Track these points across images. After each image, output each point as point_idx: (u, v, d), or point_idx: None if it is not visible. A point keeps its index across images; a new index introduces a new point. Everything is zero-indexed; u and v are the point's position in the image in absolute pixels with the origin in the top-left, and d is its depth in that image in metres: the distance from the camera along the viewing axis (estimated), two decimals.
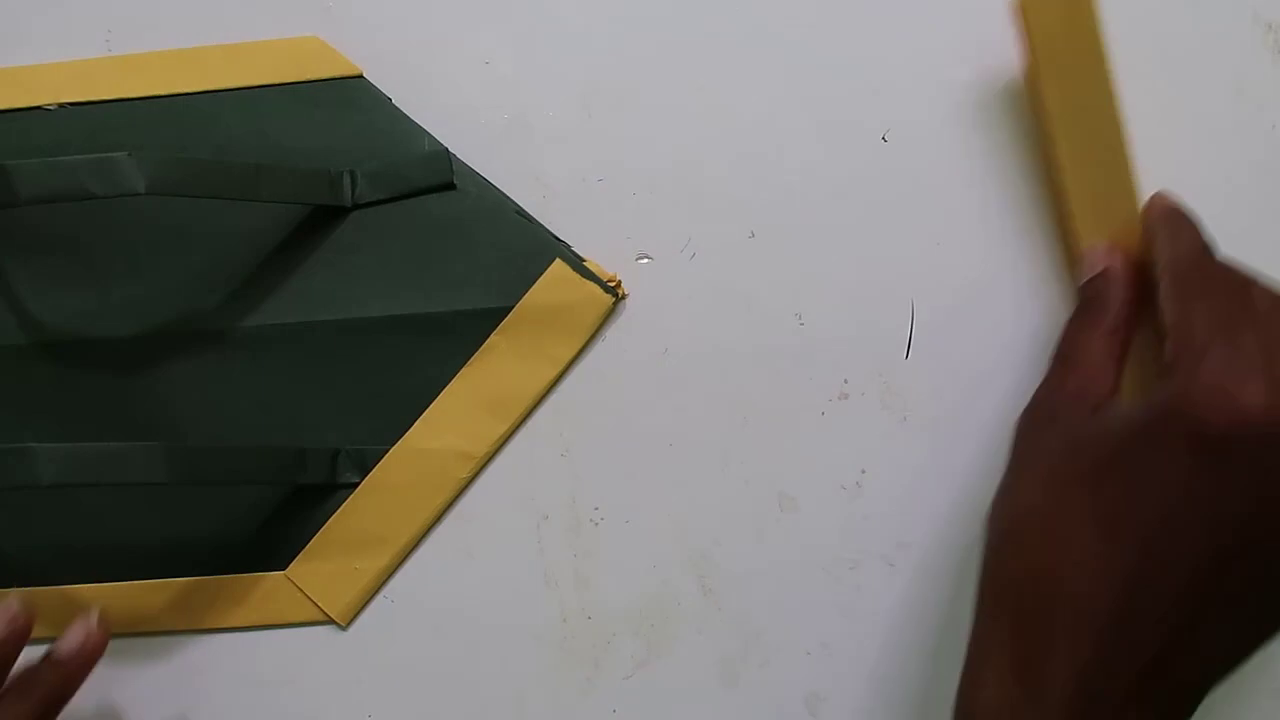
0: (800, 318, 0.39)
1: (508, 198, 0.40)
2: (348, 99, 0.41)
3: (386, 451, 0.39)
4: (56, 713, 0.35)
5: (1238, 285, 0.30)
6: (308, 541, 0.39)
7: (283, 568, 0.39)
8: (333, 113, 0.41)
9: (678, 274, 0.40)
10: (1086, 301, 0.34)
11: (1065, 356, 0.34)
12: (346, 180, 0.40)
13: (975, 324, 0.39)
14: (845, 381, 0.39)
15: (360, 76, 0.41)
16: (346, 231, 0.40)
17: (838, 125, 0.40)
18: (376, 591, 0.39)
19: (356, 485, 0.39)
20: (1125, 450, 0.28)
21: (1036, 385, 0.34)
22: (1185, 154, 0.40)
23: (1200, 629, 0.27)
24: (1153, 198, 0.35)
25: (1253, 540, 0.27)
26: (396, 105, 0.41)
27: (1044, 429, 0.32)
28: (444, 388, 0.39)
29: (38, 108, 0.41)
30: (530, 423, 0.40)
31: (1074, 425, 0.31)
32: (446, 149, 0.40)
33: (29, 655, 0.39)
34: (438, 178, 0.40)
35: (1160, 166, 0.40)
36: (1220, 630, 0.28)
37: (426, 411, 0.39)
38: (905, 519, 0.39)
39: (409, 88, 0.41)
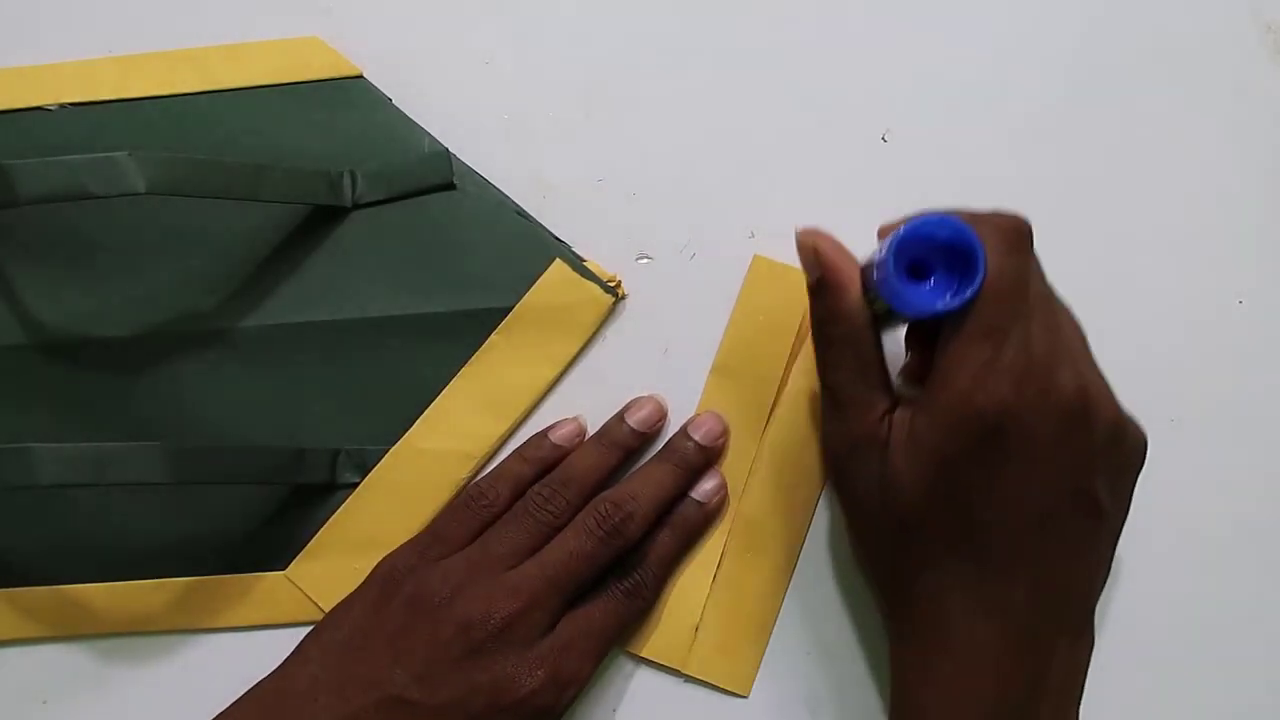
0: None
1: (508, 198, 0.40)
2: (348, 99, 0.41)
3: (386, 451, 0.39)
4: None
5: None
6: (308, 541, 0.39)
7: (283, 568, 0.39)
8: (333, 113, 0.41)
9: (678, 274, 0.40)
10: (826, 326, 0.33)
11: (836, 402, 0.33)
12: (346, 180, 0.40)
13: None
14: None
15: (360, 76, 0.41)
16: (346, 231, 0.40)
17: (838, 125, 0.40)
18: None
19: (356, 485, 0.39)
20: (930, 464, 0.31)
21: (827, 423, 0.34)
22: (1185, 154, 0.40)
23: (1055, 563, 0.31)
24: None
25: (1048, 491, 0.30)
26: (396, 105, 0.41)
27: (855, 472, 0.33)
28: (444, 388, 0.39)
29: (38, 108, 0.41)
30: (530, 423, 0.40)
31: (873, 466, 0.32)
32: (446, 149, 0.40)
33: (30, 655, 0.39)
34: (438, 178, 0.40)
35: (1161, 166, 0.40)
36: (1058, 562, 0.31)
37: (426, 411, 0.39)
38: None
39: (409, 88, 0.41)
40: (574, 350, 0.40)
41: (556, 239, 0.40)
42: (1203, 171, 0.40)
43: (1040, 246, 0.39)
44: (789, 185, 0.40)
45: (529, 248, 0.40)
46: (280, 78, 0.41)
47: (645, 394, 0.39)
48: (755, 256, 0.39)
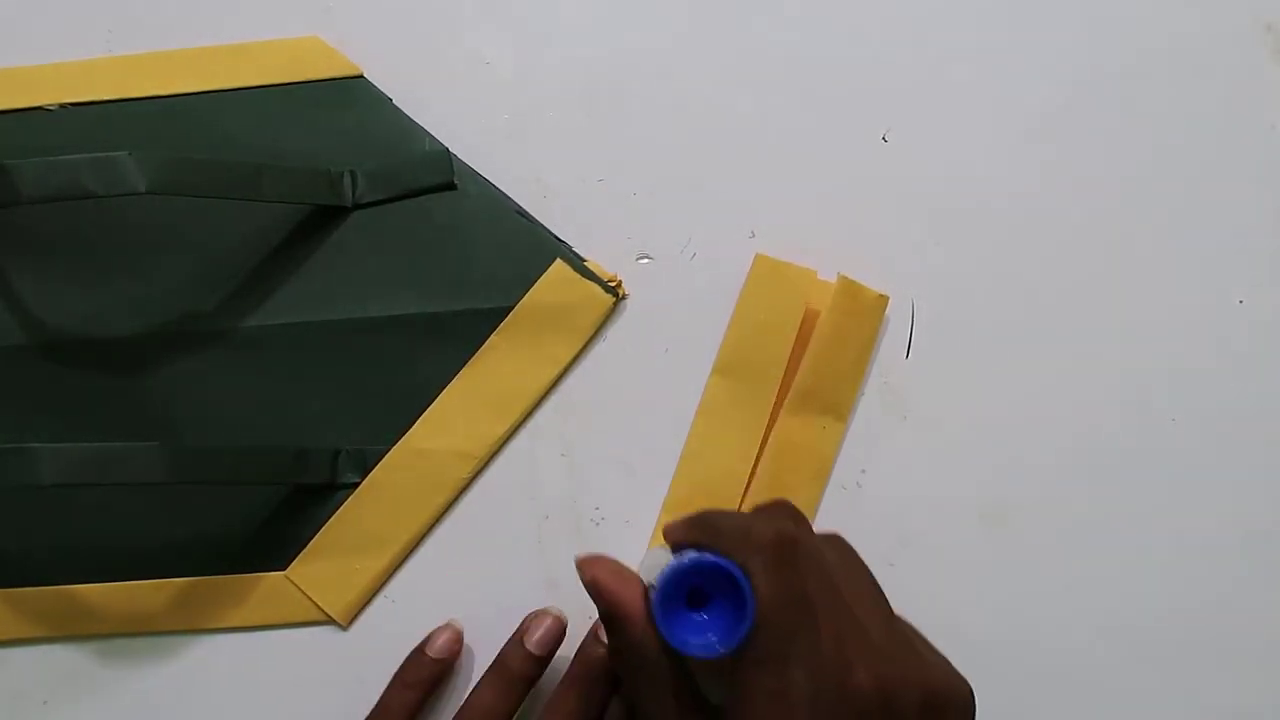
0: None
1: (508, 198, 0.40)
2: (348, 99, 0.41)
3: (386, 451, 0.39)
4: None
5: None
6: (308, 541, 0.39)
7: (283, 568, 0.39)
8: (333, 113, 0.41)
9: (678, 274, 0.40)
10: (623, 659, 0.31)
11: (637, 711, 0.31)
12: (346, 180, 0.40)
13: (976, 324, 0.39)
14: None
15: (360, 76, 0.41)
16: (346, 231, 0.40)
17: (838, 125, 0.40)
18: (376, 591, 0.39)
19: (356, 485, 0.39)
20: None
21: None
22: (1185, 154, 0.40)
23: None
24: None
25: None
26: (396, 105, 0.41)
27: None
28: (444, 388, 0.39)
29: (38, 108, 0.41)
30: (531, 423, 0.40)
31: None
32: (446, 149, 0.40)
33: (30, 655, 0.39)
34: (438, 178, 0.40)
35: (1161, 166, 0.40)
36: None
37: (426, 411, 0.39)
38: (905, 518, 0.39)
39: (409, 88, 0.41)
40: (574, 350, 0.40)
41: (556, 239, 0.40)
42: (1203, 171, 0.40)
43: (1040, 246, 0.40)
44: (789, 185, 0.40)
45: (529, 248, 0.40)
46: (280, 78, 0.41)
47: (544, 608, 0.38)
48: (757, 255, 0.39)
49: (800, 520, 0.31)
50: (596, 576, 0.31)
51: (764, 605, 0.28)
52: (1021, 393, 0.39)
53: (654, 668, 0.30)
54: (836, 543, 0.32)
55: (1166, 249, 0.40)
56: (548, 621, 0.37)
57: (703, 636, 0.29)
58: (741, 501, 0.38)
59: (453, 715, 0.37)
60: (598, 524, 0.39)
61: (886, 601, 0.31)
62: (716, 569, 0.28)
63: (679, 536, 0.32)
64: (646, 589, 0.31)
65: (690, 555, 0.29)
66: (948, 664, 0.31)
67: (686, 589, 0.29)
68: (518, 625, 0.38)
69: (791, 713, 0.28)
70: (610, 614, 0.31)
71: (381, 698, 0.37)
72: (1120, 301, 0.39)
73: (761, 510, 0.32)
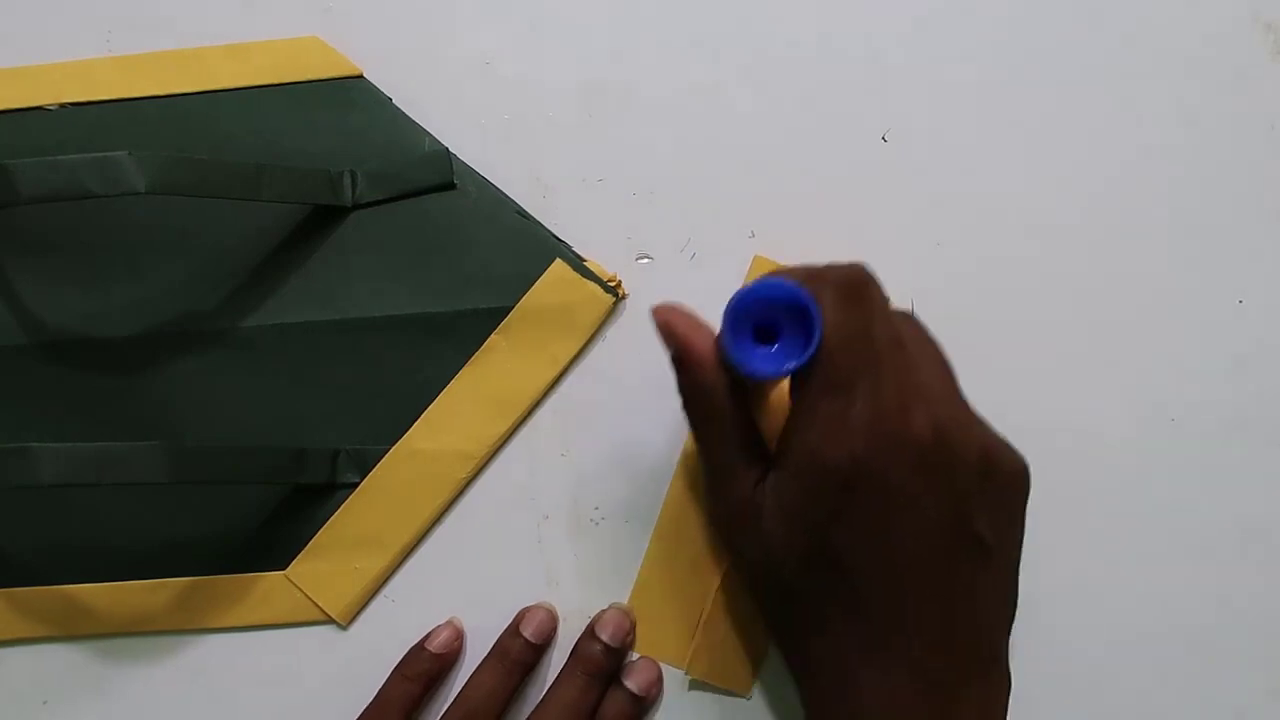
0: None
1: (508, 198, 0.40)
2: (348, 99, 0.41)
3: (386, 451, 0.39)
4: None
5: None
6: (308, 541, 0.39)
7: (283, 568, 0.39)
8: (333, 113, 0.41)
9: (678, 274, 0.40)
10: (691, 400, 0.33)
11: (712, 474, 0.33)
12: (346, 180, 0.40)
13: (975, 323, 0.39)
14: None
15: (360, 76, 0.41)
16: (346, 231, 0.40)
17: (838, 125, 0.40)
18: (376, 591, 0.39)
19: (356, 485, 0.39)
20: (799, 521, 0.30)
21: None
22: (1186, 154, 0.40)
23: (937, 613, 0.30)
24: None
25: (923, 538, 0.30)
26: (396, 105, 0.41)
27: (739, 544, 0.33)
28: (444, 388, 0.39)
29: (38, 108, 0.41)
30: (530, 422, 0.40)
31: (752, 535, 0.31)
32: (446, 149, 0.40)
33: (30, 655, 0.39)
34: (438, 178, 0.40)
35: (1161, 166, 0.40)
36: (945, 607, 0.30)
37: (426, 411, 0.39)
38: None
39: (409, 88, 0.41)
40: (574, 350, 0.40)
41: (556, 239, 0.40)
42: (1203, 171, 0.40)
43: (1040, 246, 0.40)
44: (789, 185, 0.40)
45: (529, 248, 0.40)
46: (280, 78, 0.41)
47: (536, 602, 0.39)
48: (755, 257, 0.39)
49: (875, 279, 0.31)
50: (670, 320, 0.32)
51: (830, 333, 0.29)
52: (1021, 392, 0.39)
53: (722, 408, 0.32)
54: (910, 317, 0.33)
55: (1166, 249, 0.40)
56: (542, 613, 0.38)
57: (766, 359, 0.30)
58: None
59: (452, 699, 0.37)
60: (598, 524, 0.39)
61: (955, 379, 0.32)
62: (785, 295, 0.29)
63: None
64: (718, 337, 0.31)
65: (767, 278, 0.29)
66: (1009, 442, 0.32)
67: (754, 321, 0.30)
68: (512, 619, 0.38)
69: (850, 436, 0.29)
70: (681, 355, 0.32)
71: (381, 689, 0.38)
72: (1120, 301, 0.39)
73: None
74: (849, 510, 0.29)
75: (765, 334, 0.30)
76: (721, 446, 0.32)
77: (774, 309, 0.29)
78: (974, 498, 0.30)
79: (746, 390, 0.32)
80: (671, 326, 0.32)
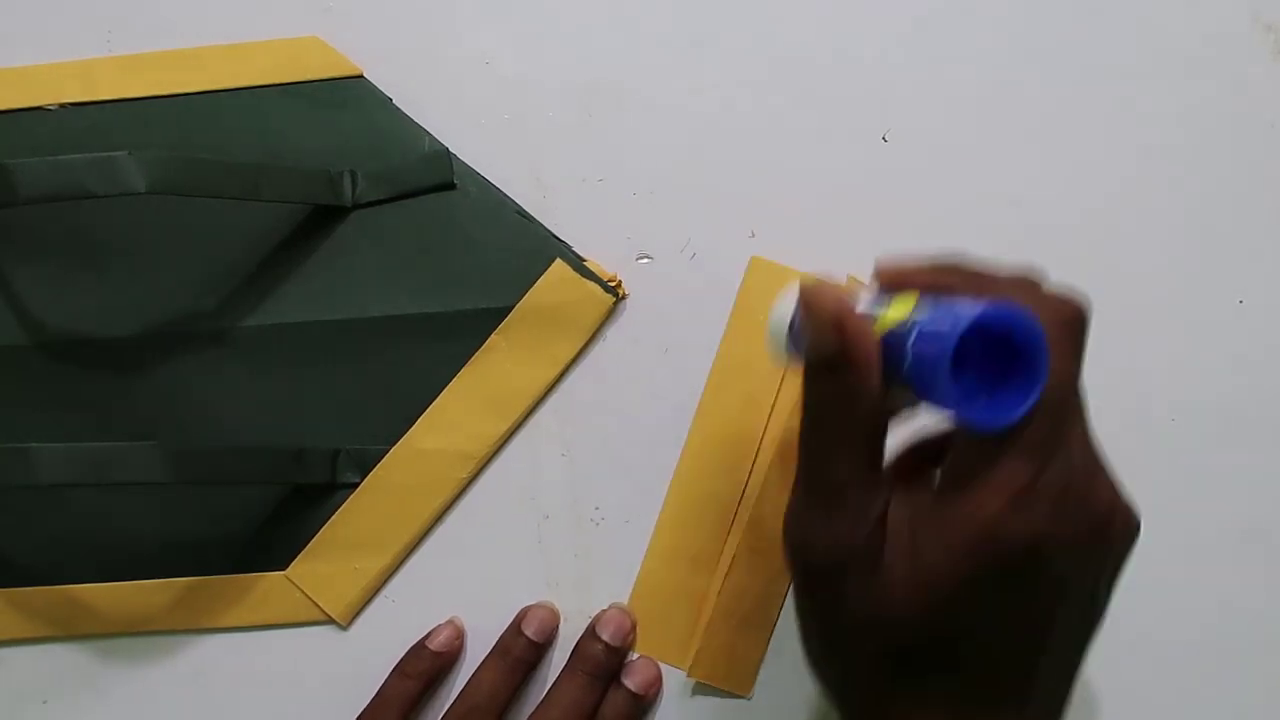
0: None
1: (508, 198, 0.40)
2: (348, 99, 0.41)
3: (386, 451, 0.39)
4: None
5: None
6: (308, 541, 0.39)
7: (283, 568, 0.39)
8: (333, 113, 0.41)
9: (678, 274, 0.40)
10: (829, 406, 0.27)
11: (827, 499, 0.27)
12: (346, 180, 0.40)
13: None
14: None
15: (360, 76, 0.41)
16: (346, 231, 0.40)
17: (838, 125, 0.40)
18: (376, 591, 0.39)
19: (356, 485, 0.39)
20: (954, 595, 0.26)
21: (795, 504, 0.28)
22: (1185, 154, 0.40)
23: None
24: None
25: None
26: (396, 105, 0.41)
27: (838, 587, 0.27)
28: (444, 388, 0.39)
29: (38, 108, 0.41)
30: (530, 422, 0.40)
31: (863, 583, 0.27)
32: (446, 149, 0.40)
33: (30, 655, 0.39)
34: (438, 178, 0.40)
35: (1161, 166, 0.40)
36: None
37: (426, 411, 0.39)
38: None
39: (409, 88, 0.41)
40: (574, 350, 0.39)
41: (556, 239, 0.40)
42: (1203, 171, 0.40)
43: (1040, 246, 0.40)
44: (789, 185, 0.40)
45: (529, 248, 0.40)
46: (280, 77, 0.41)
47: (537, 601, 0.39)
48: (753, 258, 0.39)
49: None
50: (830, 305, 0.26)
51: (1052, 384, 0.24)
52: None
53: (872, 427, 0.26)
54: None
55: (1166, 249, 0.40)
56: (543, 612, 0.38)
57: (988, 410, 0.24)
58: (740, 503, 0.38)
59: (454, 698, 0.37)
60: (598, 524, 0.39)
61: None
62: (1023, 332, 0.24)
63: (922, 280, 0.27)
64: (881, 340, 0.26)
65: (995, 307, 0.24)
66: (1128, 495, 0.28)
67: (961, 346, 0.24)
68: (513, 618, 0.38)
69: (1036, 508, 0.25)
70: (850, 357, 0.26)
71: (381, 687, 0.38)
72: (1120, 301, 0.39)
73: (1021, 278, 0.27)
74: (1007, 584, 0.25)
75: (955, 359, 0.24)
76: (855, 470, 0.26)
77: (990, 339, 0.24)
78: (1112, 566, 0.27)
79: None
80: (835, 313, 0.26)
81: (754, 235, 0.40)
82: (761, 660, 0.38)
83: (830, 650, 0.29)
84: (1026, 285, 0.26)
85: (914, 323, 0.25)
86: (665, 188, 0.40)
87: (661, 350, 0.40)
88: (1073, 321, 0.26)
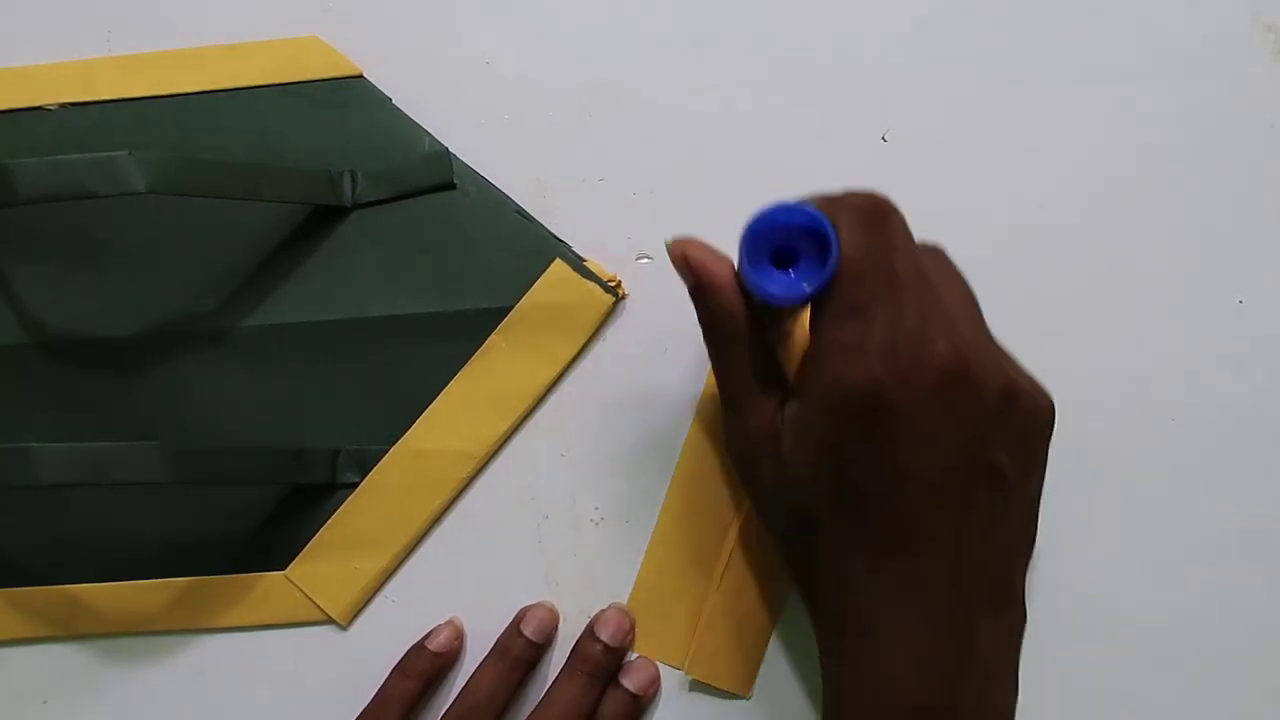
0: None
1: (508, 198, 0.40)
2: (348, 99, 0.41)
3: (386, 451, 0.39)
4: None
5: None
6: (308, 541, 0.39)
7: (283, 568, 0.39)
8: (333, 113, 0.41)
9: (678, 274, 0.40)
10: (711, 328, 0.33)
11: (732, 401, 0.33)
12: (346, 180, 0.40)
13: None
14: None
15: (360, 76, 0.41)
16: (346, 231, 0.40)
17: (838, 125, 0.40)
18: (376, 591, 0.39)
19: (356, 485, 0.39)
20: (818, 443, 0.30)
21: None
22: (1185, 154, 0.40)
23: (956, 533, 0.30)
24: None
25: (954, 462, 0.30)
26: (396, 105, 0.41)
27: (753, 469, 0.33)
28: (444, 388, 0.39)
29: (38, 108, 0.41)
30: (530, 422, 0.40)
31: (768, 460, 0.32)
32: (446, 149, 0.40)
33: (30, 655, 0.39)
34: (438, 178, 0.40)
35: (1161, 166, 0.40)
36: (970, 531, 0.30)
37: (426, 411, 0.39)
38: None
39: (409, 88, 0.41)
40: (574, 350, 0.40)
41: (556, 239, 0.40)
42: (1202, 171, 0.40)
43: (1040, 246, 0.40)
44: (789, 185, 0.40)
45: (529, 248, 0.40)
46: (280, 77, 0.41)
47: (537, 601, 0.39)
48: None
49: (895, 207, 0.31)
50: (687, 250, 0.32)
51: (848, 257, 0.29)
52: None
53: (742, 334, 0.32)
54: (937, 250, 0.33)
55: (1166, 249, 0.40)
56: (543, 612, 0.38)
57: (783, 283, 0.30)
58: (739, 504, 0.38)
59: (453, 699, 0.37)
60: (597, 524, 0.39)
61: (979, 311, 0.32)
62: (802, 220, 0.29)
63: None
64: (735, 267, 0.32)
65: (784, 203, 0.29)
66: (1035, 379, 0.32)
67: (772, 247, 0.30)
68: (513, 618, 0.38)
69: (868, 360, 0.29)
70: (700, 284, 0.32)
71: (381, 687, 0.38)
72: (1120, 301, 0.39)
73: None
74: (867, 433, 0.29)
75: (783, 260, 0.30)
76: (740, 373, 0.32)
77: (791, 234, 0.30)
78: (993, 428, 0.30)
79: (765, 318, 0.33)
80: (689, 256, 0.32)
81: None
82: (761, 660, 0.38)
83: (770, 524, 0.34)
84: (828, 195, 0.31)
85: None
86: (665, 188, 0.40)
87: (661, 350, 0.40)
88: (863, 208, 0.30)
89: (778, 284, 0.30)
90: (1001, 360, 0.31)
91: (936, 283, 0.30)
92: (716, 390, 0.39)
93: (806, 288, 0.29)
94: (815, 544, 0.32)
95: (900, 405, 0.29)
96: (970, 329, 0.31)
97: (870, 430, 0.29)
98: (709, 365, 0.39)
